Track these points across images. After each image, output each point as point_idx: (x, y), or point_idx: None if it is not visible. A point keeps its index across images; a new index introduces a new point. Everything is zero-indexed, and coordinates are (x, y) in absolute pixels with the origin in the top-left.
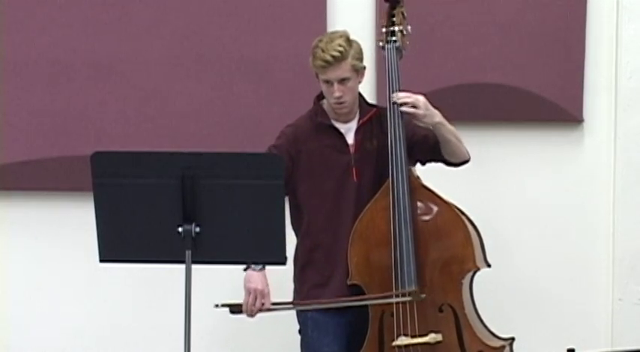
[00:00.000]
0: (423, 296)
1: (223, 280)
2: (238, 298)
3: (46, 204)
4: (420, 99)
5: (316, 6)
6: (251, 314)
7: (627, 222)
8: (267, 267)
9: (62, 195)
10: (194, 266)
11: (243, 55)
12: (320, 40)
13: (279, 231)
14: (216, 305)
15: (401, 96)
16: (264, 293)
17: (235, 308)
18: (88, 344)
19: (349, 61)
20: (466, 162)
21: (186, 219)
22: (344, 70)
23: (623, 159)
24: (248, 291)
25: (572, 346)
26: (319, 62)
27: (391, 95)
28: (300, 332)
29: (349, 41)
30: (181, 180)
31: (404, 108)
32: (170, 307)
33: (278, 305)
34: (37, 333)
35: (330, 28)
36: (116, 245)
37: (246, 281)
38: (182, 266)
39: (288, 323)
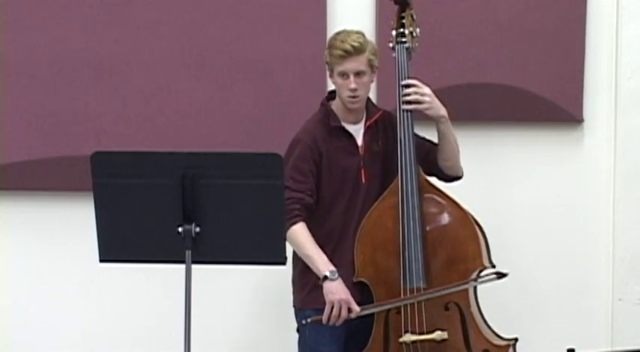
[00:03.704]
0: None
1: (223, 280)
2: (240, 298)
3: (46, 204)
4: (426, 91)
5: (316, 6)
6: (335, 324)
7: (627, 222)
8: (267, 268)
9: (62, 195)
10: (194, 266)
11: (243, 55)
12: (337, 34)
13: (279, 231)
14: (305, 323)
15: (406, 91)
16: (349, 302)
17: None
18: (88, 344)
19: (366, 54)
20: (458, 178)
21: (186, 219)
22: (361, 62)
23: (623, 159)
24: (331, 303)
25: (572, 346)
26: (338, 52)
27: (400, 90)
28: (298, 331)
29: (365, 37)
30: (181, 180)
31: (405, 106)
32: (170, 307)
33: (365, 309)
34: (37, 333)
35: (330, 28)
36: (116, 245)
37: (328, 292)
38: (182, 267)
39: (286, 322)
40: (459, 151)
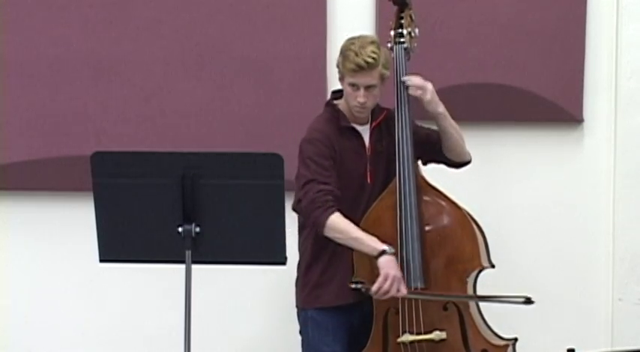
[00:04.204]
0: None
1: (223, 280)
2: (241, 299)
3: (46, 204)
4: (429, 86)
5: (316, 6)
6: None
7: (627, 222)
8: (267, 268)
9: (62, 195)
10: (194, 266)
11: (243, 55)
12: (352, 43)
13: (279, 231)
14: (353, 284)
15: (412, 79)
16: (401, 281)
17: (365, 289)
18: (88, 344)
19: (379, 68)
20: (467, 163)
21: (186, 219)
22: (373, 77)
23: (623, 159)
24: (385, 277)
25: (572, 346)
26: (352, 65)
27: (401, 78)
28: (300, 332)
29: (380, 48)
30: (181, 180)
31: (411, 91)
32: (170, 307)
33: (413, 294)
34: (37, 333)
35: (330, 28)
36: (116, 245)
37: (386, 266)
38: (182, 267)
39: (289, 323)
40: (463, 139)
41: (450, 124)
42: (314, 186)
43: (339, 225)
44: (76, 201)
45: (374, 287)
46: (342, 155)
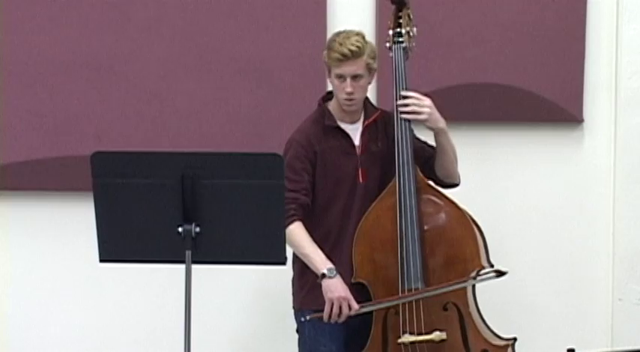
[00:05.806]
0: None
1: (223, 280)
2: (240, 298)
3: (46, 204)
4: (426, 103)
5: (316, 6)
6: (337, 321)
7: (627, 222)
8: (266, 268)
9: (62, 195)
10: (194, 266)
11: (243, 55)
12: (337, 35)
13: (279, 231)
14: (305, 320)
15: (405, 102)
16: (348, 299)
17: (318, 318)
18: (88, 344)
19: (365, 58)
20: (454, 185)
21: (186, 219)
22: (359, 66)
23: (623, 159)
24: (330, 301)
25: (572, 346)
26: (336, 55)
27: (398, 95)
28: (297, 331)
29: (365, 39)
30: (181, 180)
31: (403, 115)
32: (170, 307)
33: (364, 307)
34: (37, 333)
35: (330, 28)
36: (116, 245)
37: (327, 290)
38: (182, 267)
39: (286, 322)
40: (456, 162)
41: (448, 142)
42: None
43: (293, 237)
44: (76, 201)
45: (324, 316)
46: (325, 155)
